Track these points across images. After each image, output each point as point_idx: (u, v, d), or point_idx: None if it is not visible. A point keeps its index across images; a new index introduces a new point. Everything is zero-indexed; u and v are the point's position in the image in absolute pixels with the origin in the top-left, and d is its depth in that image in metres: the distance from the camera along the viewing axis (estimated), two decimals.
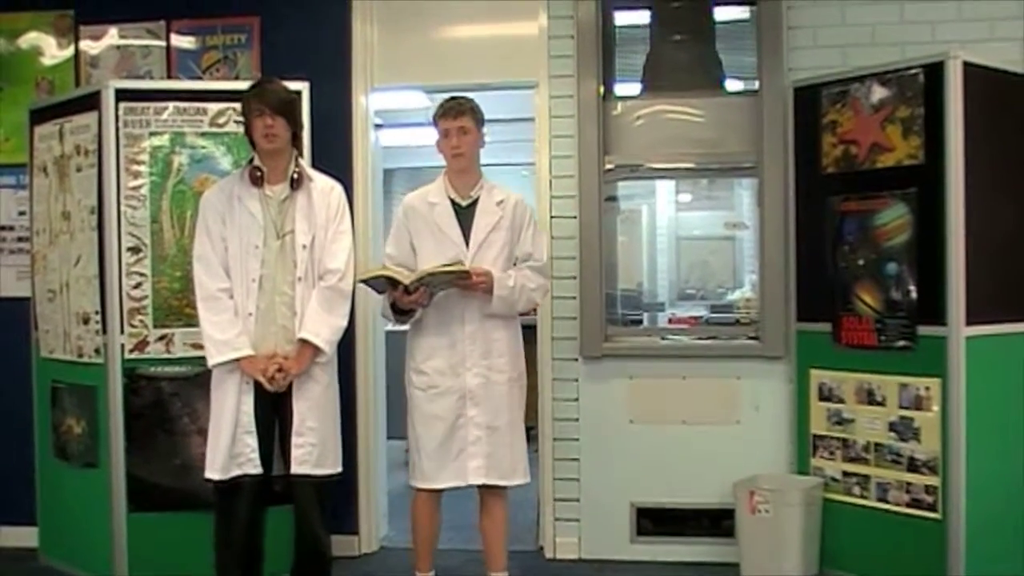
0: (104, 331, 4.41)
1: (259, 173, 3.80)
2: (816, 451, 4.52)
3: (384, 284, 3.77)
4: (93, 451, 4.49)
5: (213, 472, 3.74)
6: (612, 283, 5.14)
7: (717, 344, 4.91)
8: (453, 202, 3.92)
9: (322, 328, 3.76)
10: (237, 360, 3.70)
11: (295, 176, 3.82)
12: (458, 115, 3.86)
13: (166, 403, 4.39)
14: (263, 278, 3.75)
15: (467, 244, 3.86)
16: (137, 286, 4.39)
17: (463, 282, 3.76)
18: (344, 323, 3.86)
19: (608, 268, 4.98)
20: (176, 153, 4.44)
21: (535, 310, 4.86)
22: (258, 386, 3.73)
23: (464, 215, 3.90)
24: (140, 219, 4.40)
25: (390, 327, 4.60)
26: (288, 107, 3.81)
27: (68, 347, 4.61)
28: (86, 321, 4.51)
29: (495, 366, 3.87)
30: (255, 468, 3.73)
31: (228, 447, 3.71)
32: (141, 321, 4.39)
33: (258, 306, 3.75)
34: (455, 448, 3.83)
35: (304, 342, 3.74)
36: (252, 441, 3.72)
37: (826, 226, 4.43)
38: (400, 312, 3.86)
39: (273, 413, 3.78)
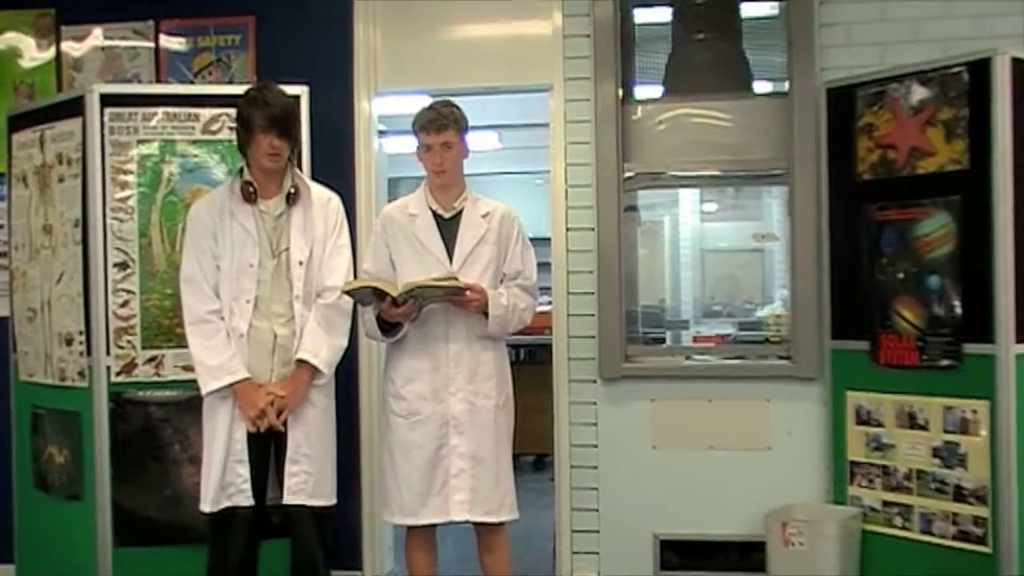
0: (89, 353, 4.39)
1: (252, 188, 3.77)
2: (854, 479, 4.49)
3: (370, 296, 3.72)
4: (77, 481, 4.45)
5: (205, 504, 3.73)
6: (632, 299, 5.13)
7: (745, 364, 4.90)
8: (435, 214, 3.87)
9: (321, 348, 3.75)
10: (232, 385, 3.68)
11: (292, 191, 3.81)
12: (440, 129, 3.79)
13: (156, 429, 4.36)
14: (259, 299, 3.74)
15: (450, 259, 3.81)
16: (124, 304, 4.37)
17: (455, 298, 3.72)
18: (344, 343, 3.85)
19: (628, 283, 4.97)
20: (166, 162, 4.43)
21: (548, 329, 4.99)
22: None
23: (447, 228, 3.86)
24: (128, 233, 4.38)
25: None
26: (293, 123, 3.80)
27: (50, 370, 4.59)
28: (69, 342, 4.48)
29: (481, 391, 3.81)
30: (246, 500, 3.71)
31: (219, 478, 3.70)
32: (129, 342, 4.37)
33: (253, 326, 3.73)
34: (438, 480, 3.77)
35: (301, 363, 3.73)
36: (244, 471, 3.71)
37: (862, 237, 4.41)
38: (387, 327, 3.81)
39: (269, 440, 3.76)
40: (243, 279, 3.72)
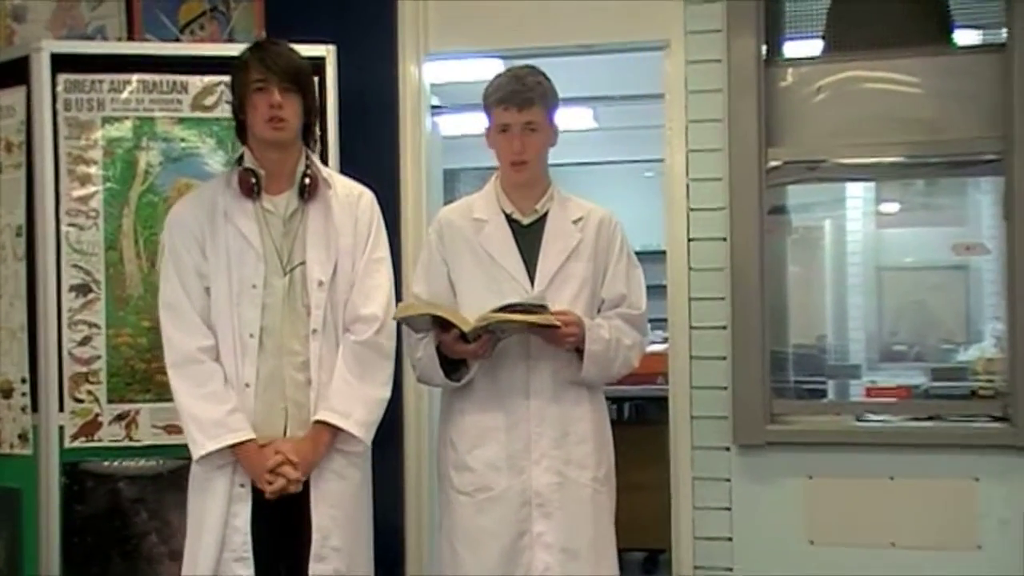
0: (34, 408, 4.37)
1: (253, 179, 3.65)
2: None
3: (427, 323, 3.63)
4: None
5: None
6: (781, 337, 5.18)
7: (942, 428, 4.81)
8: (510, 219, 3.81)
9: (355, 405, 3.61)
10: (232, 447, 3.54)
11: (307, 180, 3.68)
12: (524, 104, 3.69)
13: (125, 513, 4.33)
14: (264, 333, 3.61)
15: (531, 279, 3.72)
16: (85, 342, 4.33)
17: (545, 333, 3.60)
18: (386, 394, 3.72)
19: (775, 314, 4.98)
20: (143, 148, 4.42)
21: (662, 376, 5.12)
22: (259, 490, 3.57)
23: (526, 238, 3.79)
24: (90, 244, 4.36)
25: None
26: (303, 80, 3.68)
27: None
28: (8, 394, 4.47)
29: (574, 458, 3.70)
30: None
31: None
32: (90, 393, 4.34)
33: (258, 372, 3.60)
34: None
35: (323, 424, 3.60)
36: (246, 572, 3.53)
37: None
38: (449, 367, 3.71)
39: (283, 529, 3.60)
40: (244, 306, 3.61)
